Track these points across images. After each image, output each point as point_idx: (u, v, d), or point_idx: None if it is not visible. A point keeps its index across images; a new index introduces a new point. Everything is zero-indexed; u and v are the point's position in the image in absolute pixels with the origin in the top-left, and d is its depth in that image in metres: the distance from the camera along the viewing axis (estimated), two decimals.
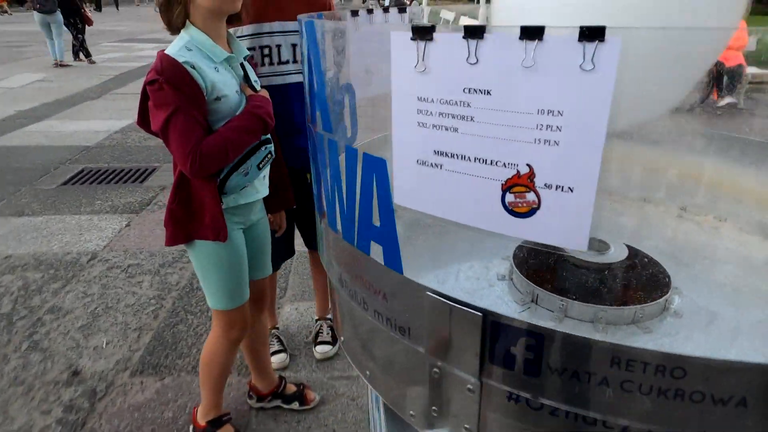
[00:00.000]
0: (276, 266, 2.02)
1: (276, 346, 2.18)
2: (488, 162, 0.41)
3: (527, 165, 0.39)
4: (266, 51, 1.63)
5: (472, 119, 0.41)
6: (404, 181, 0.48)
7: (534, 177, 0.39)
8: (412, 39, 0.42)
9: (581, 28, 0.34)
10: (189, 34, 1.32)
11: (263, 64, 1.65)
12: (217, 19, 1.34)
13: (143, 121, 1.38)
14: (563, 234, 0.40)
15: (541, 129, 0.38)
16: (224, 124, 1.32)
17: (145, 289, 2.73)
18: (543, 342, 0.45)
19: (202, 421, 1.73)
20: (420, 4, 14.14)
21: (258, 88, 1.45)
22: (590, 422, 0.47)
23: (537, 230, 0.41)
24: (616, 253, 0.67)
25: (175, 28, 1.32)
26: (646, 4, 0.48)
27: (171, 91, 1.25)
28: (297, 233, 2.18)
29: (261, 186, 1.52)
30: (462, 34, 0.39)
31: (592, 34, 0.34)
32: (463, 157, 0.43)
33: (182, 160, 1.29)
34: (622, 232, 0.86)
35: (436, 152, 0.44)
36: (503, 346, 0.47)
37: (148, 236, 3.31)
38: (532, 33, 0.36)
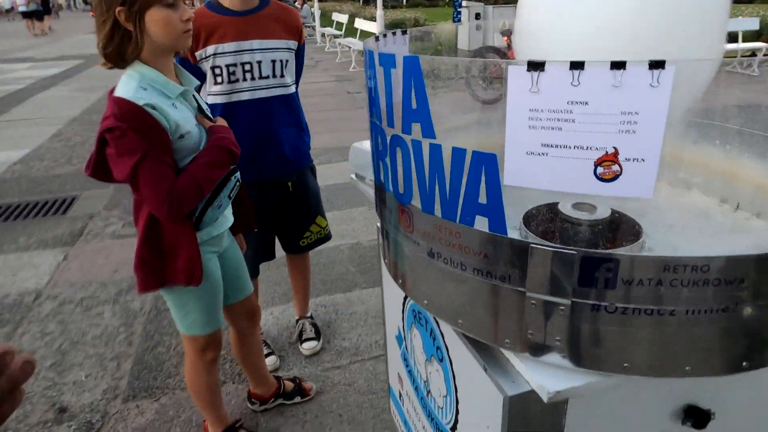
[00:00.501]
0: (256, 271, 2.13)
1: (265, 350, 2.29)
2: (584, 147, 0.63)
3: (613, 147, 0.62)
4: (247, 67, 1.75)
5: (573, 121, 0.63)
6: (514, 168, 0.69)
7: (618, 155, 0.62)
8: (527, 71, 0.63)
9: (650, 61, 0.57)
10: (138, 71, 1.26)
11: (245, 79, 1.76)
12: (168, 54, 1.31)
13: (97, 169, 1.29)
14: (637, 188, 0.63)
15: (623, 123, 0.60)
16: (192, 162, 1.30)
17: (108, 320, 2.68)
18: (617, 264, 0.69)
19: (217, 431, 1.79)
20: (311, 5, 14.16)
21: (210, 115, 1.43)
22: (648, 312, 0.71)
23: (618, 189, 0.64)
24: (602, 212, 0.92)
25: (121, 64, 1.26)
26: (646, 39, 0.73)
27: (135, 137, 1.19)
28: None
29: (229, 214, 1.54)
30: (568, 66, 0.60)
31: (658, 64, 0.57)
32: (564, 147, 0.64)
33: (157, 206, 1.25)
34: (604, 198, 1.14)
35: (544, 144, 0.66)
36: (590, 269, 0.70)
37: (92, 267, 3.20)
38: (618, 65, 0.58)
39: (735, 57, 8.82)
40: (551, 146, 0.66)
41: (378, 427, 1.95)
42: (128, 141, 1.19)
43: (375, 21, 9.31)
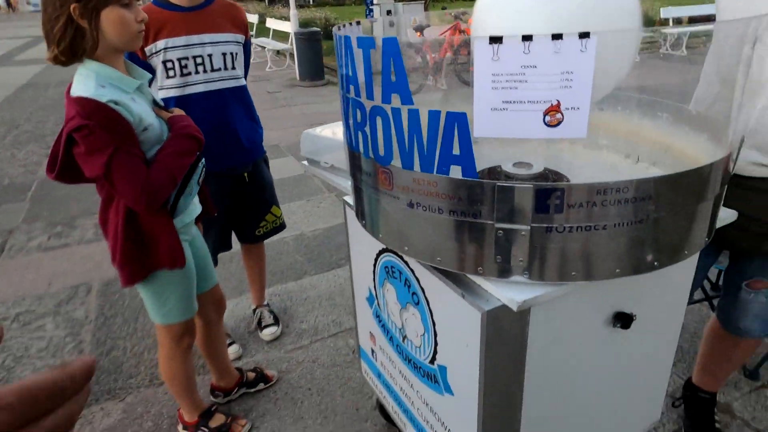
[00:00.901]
0: (215, 262, 2.19)
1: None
2: (535, 101, 0.83)
3: (556, 100, 0.82)
4: (199, 60, 1.81)
5: (526, 81, 0.82)
6: (482, 122, 0.87)
7: (560, 105, 0.82)
8: (489, 44, 0.81)
9: (579, 32, 0.77)
10: (91, 69, 1.27)
11: (197, 72, 1.83)
12: (120, 52, 1.35)
13: (63, 171, 1.30)
14: (575, 131, 0.84)
15: (562, 81, 0.80)
16: (161, 152, 1.36)
17: (51, 331, 2.60)
18: (562, 192, 0.89)
19: (193, 418, 1.83)
20: None
21: (163, 105, 1.50)
22: (587, 229, 0.92)
23: (561, 132, 0.84)
24: (537, 168, 1.13)
25: (72, 61, 1.27)
26: (576, 18, 0.94)
27: (104, 134, 1.22)
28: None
29: (197, 201, 1.61)
30: (520, 39, 0.79)
31: (585, 35, 0.77)
32: (520, 102, 0.84)
33: (135, 199, 1.29)
34: (538, 158, 1.37)
35: (504, 102, 0.84)
36: (543, 199, 0.90)
37: (22, 282, 3.05)
38: (557, 36, 0.78)
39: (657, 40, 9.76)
40: (510, 102, 0.85)
41: (346, 394, 2.09)
42: (98, 138, 1.22)
43: (287, 21, 9.30)
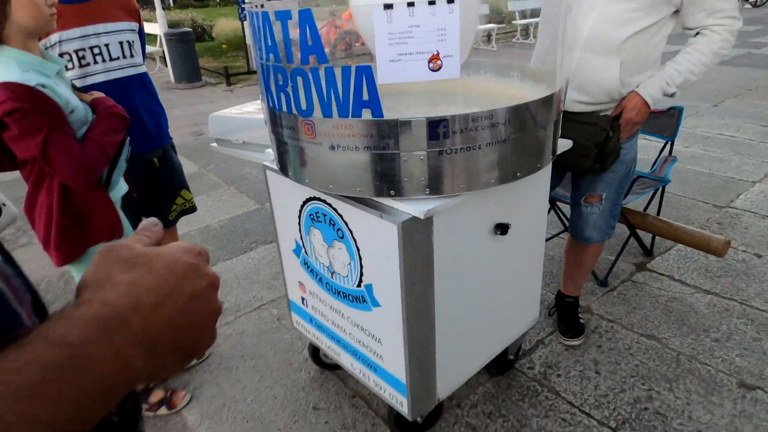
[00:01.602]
0: None
1: None
2: (421, 52, 1.12)
3: (436, 50, 1.12)
4: (96, 50, 1.87)
5: (413, 37, 1.10)
6: (384, 71, 1.14)
7: (440, 54, 1.12)
8: (384, 9, 1.08)
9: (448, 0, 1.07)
10: (10, 56, 1.31)
11: (96, 62, 1.89)
12: (34, 37, 1.41)
13: None
14: (451, 73, 1.14)
15: (439, 36, 1.10)
16: (91, 131, 1.45)
17: None
18: (447, 122, 1.20)
19: None
20: None
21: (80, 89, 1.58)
22: (467, 149, 1.24)
23: (443, 75, 1.14)
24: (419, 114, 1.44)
25: None
26: None
27: (38, 116, 1.29)
28: None
29: (123, 179, 1.71)
30: (406, 5, 1.07)
31: (451, 1, 1.07)
32: (410, 53, 1.12)
33: (73, 175, 1.36)
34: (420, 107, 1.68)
35: (399, 54, 1.12)
36: (434, 129, 1.19)
37: None
38: (432, 2, 1.07)
39: (513, 31, 10.75)
40: (403, 54, 1.12)
41: (278, 354, 2.27)
42: (31, 120, 1.28)
43: (154, 22, 8.91)
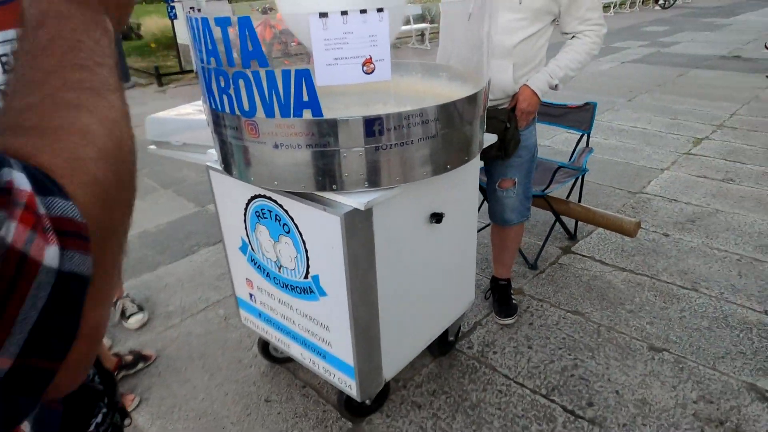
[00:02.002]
0: None
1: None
2: (356, 57, 1.21)
3: (369, 55, 1.22)
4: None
5: (347, 43, 1.20)
6: (321, 74, 1.23)
7: (373, 58, 1.22)
8: (319, 18, 1.17)
9: (377, 8, 1.18)
10: None
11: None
12: None
13: None
14: (383, 76, 1.25)
15: (371, 41, 1.20)
16: None
17: None
18: (382, 120, 1.30)
19: None
20: None
21: None
22: (401, 144, 1.35)
23: (375, 77, 1.24)
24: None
25: None
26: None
27: None
28: None
29: None
30: (340, 14, 1.16)
31: (380, 10, 1.18)
32: (345, 58, 1.21)
33: None
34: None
35: (335, 59, 1.21)
36: (370, 127, 1.30)
37: None
38: (363, 11, 1.17)
39: (411, 36, 11.00)
40: (339, 59, 1.22)
41: (227, 352, 2.31)
42: None
43: None
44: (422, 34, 10.88)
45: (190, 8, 1.43)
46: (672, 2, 17.65)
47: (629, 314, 2.42)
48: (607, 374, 2.07)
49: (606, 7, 16.24)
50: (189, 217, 3.61)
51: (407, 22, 9.69)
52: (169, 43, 10.50)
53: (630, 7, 17.16)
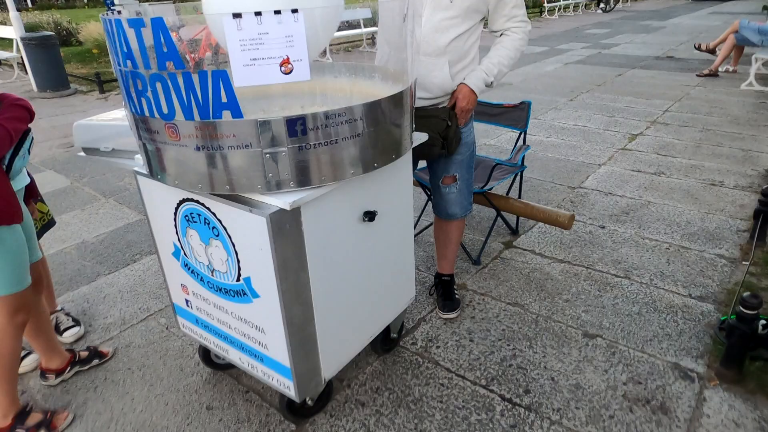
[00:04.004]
0: None
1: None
2: (273, 57, 1.22)
3: (286, 55, 1.23)
4: None
5: (263, 44, 1.20)
6: (238, 75, 1.23)
7: (290, 59, 1.23)
8: (233, 18, 1.17)
9: (292, 9, 1.19)
10: None
11: None
12: None
13: None
14: (301, 76, 1.26)
15: (287, 42, 1.21)
16: (0, 117, 1.54)
17: None
18: (304, 119, 1.31)
19: (5, 422, 1.81)
20: None
21: None
22: (326, 144, 1.37)
23: (294, 77, 1.25)
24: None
25: None
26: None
27: None
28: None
29: (25, 173, 1.76)
30: (254, 14, 1.17)
31: (295, 11, 1.19)
32: (262, 59, 1.22)
33: None
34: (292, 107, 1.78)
35: (251, 59, 1.22)
36: (292, 127, 1.31)
37: None
38: (278, 12, 1.18)
39: (362, 39, 11.05)
40: (255, 59, 1.22)
41: (168, 361, 2.25)
42: None
43: (8, 25, 8.07)
44: (373, 38, 10.95)
45: (108, 11, 1.40)
46: (612, 6, 18.44)
47: (566, 303, 2.51)
48: (543, 362, 2.14)
49: (551, 11, 16.81)
50: (131, 226, 3.51)
51: (357, 26, 9.75)
52: None
53: (573, 11, 17.82)
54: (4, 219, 1.55)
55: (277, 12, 1.19)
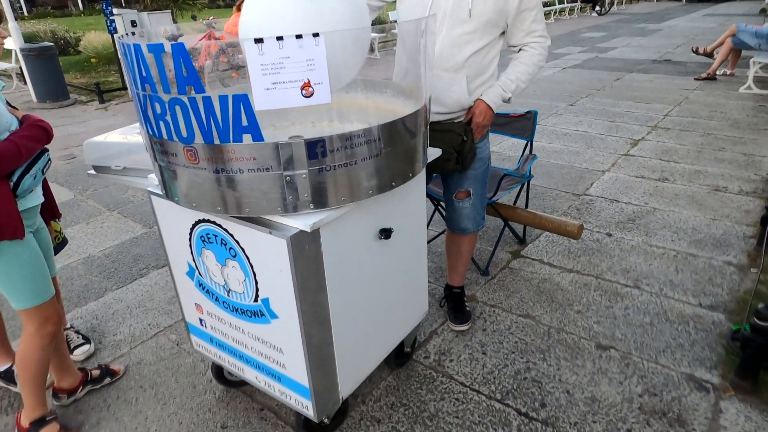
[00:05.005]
0: None
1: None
2: (294, 81, 1.22)
3: (307, 78, 1.23)
4: None
5: (285, 67, 1.20)
6: (260, 99, 1.23)
7: (312, 82, 1.23)
8: (255, 43, 1.17)
9: (313, 33, 1.19)
10: None
11: None
12: None
13: None
14: (322, 99, 1.26)
15: (308, 66, 1.21)
16: (13, 134, 1.57)
17: None
18: (324, 142, 1.31)
19: (25, 423, 1.83)
20: None
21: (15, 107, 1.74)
22: (344, 165, 1.36)
23: (315, 100, 1.25)
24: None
25: None
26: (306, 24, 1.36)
27: None
28: None
29: (40, 192, 1.78)
30: (275, 39, 1.17)
31: (316, 35, 1.19)
32: (283, 82, 1.22)
33: None
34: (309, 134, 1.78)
35: (273, 83, 1.21)
36: (312, 149, 1.30)
37: None
38: (299, 36, 1.18)
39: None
40: (277, 83, 1.22)
41: (180, 378, 2.24)
42: None
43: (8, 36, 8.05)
44: (371, 45, 10.95)
45: (124, 34, 1.40)
46: (607, 9, 18.53)
47: (577, 314, 2.51)
48: (558, 375, 2.14)
49: (547, 15, 16.88)
50: (136, 239, 3.49)
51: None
52: (111, 57, 10.17)
53: (569, 14, 17.90)
54: (6, 234, 1.56)
55: (299, 36, 1.19)
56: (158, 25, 7.81)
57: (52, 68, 7.32)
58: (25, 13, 23.49)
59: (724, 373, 2.10)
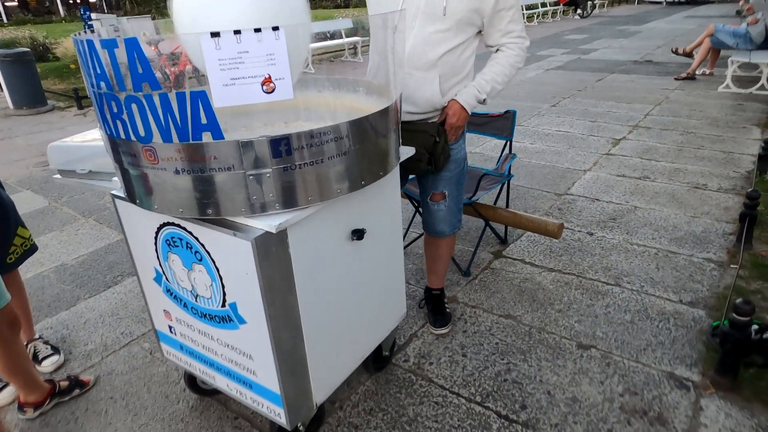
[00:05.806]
0: None
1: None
2: (254, 76, 1.18)
3: (268, 74, 1.18)
4: None
5: (243, 63, 1.16)
6: (218, 95, 1.18)
7: (272, 77, 1.19)
8: (211, 38, 1.12)
9: (273, 27, 1.14)
10: None
11: None
12: None
13: None
14: (284, 95, 1.21)
15: (268, 60, 1.17)
16: None
17: None
18: (288, 139, 1.27)
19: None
20: None
21: None
22: (311, 164, 1.32)
23: (276, 96, 1.21)
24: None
25: None
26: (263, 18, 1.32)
27: None
28: None
29: None
30: (233, 33, 1.13)
31: (276, 28, 1.15)
32: (242, 78, 1.17)
33: None
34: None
35: (231, 79, 1.17)
36: (276, 147, 1.26)
37: None
38: (258, 30, 1.14)
39: (344, 50, 11.05)
40: (236, 78, 1.18)
41: (153, 388, 2.17)
42: None
43: None
44: (355, 48, 10.96)
45: (84, 26, 1.35)
46: (589, 12, 18.74)
47: (558, 314, 2.49)
48: (539, 376, 2.11)
49: (530, 18, 17.01)
50: (112, 246, 3.41)
51: (339, 36, 9.74)
52: None
53: (552, 17, 18.07)
54: None
55: (257, 30, 1.15)
56: (139, 30, 7.71)
57: (28, 74, 7.19)
58: (4, 20, 23.14)
59: (704, 370, 2.09)
